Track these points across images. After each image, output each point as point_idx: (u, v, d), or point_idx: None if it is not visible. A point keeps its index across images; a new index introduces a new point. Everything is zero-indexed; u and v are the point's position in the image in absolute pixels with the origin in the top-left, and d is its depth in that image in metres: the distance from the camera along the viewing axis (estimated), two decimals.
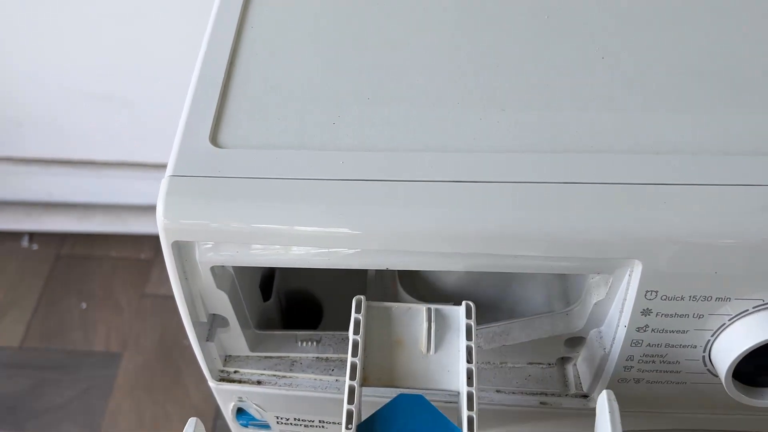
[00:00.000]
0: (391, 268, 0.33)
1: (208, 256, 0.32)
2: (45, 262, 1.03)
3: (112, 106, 0.89)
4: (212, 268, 0.33)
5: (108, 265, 1.02)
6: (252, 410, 0.40)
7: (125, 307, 0.98)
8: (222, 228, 0.31)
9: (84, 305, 0.98)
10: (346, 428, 0.28)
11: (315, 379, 0.38)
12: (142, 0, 0.79)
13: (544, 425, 0.38)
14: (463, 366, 0.30)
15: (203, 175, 0.31)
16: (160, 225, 0.31)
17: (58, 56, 0.85)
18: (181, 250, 0.32)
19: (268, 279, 0.42)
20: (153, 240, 1.03)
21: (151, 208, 1.06)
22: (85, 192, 1.00)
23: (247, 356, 0.38)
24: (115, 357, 0.94)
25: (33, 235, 1.04)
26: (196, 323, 0.35)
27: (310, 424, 0.40)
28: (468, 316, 0.31)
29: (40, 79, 0.88)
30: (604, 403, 0.30)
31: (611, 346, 0.34)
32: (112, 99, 0.89)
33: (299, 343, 0.38)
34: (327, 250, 0.32)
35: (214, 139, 0.32)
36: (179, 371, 0.92)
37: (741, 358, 0.31)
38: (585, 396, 0.37)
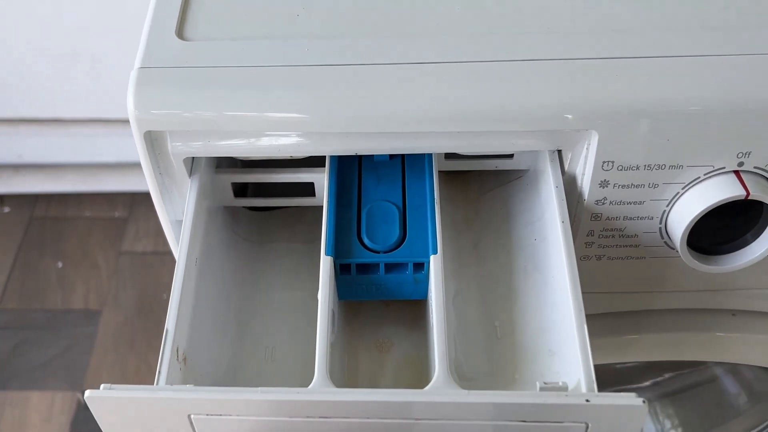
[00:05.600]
0: (359, 153, 0.34)
1: (180, 147, 0.33)
2: (19, 224, 1.02)
3: (78, 62, 0.89)
4: (185, 161, 0.34)
5: (83, 225, 1.02)
6: None
7: (102, 265, 0.98)
8: (192, 116, 0.31)
9: (60, 264, 0.98)
10: None
11: None
12: None
13: None
14: None
15: (171, 66, 0.32)
16: (132, 116, 0.32)
17: (23, 15, 0.84)
18: (154, 143, 0.33)
19: None
20: (127, 197, 1.03)
21: (123, 165, 1.06)
22: (55, 152, 0.99)
23: None
24: (95, 314, 0.94)
25: (4, 198, 1.04)
26: (173, 222, 0.36)
27: None
28: None
29: (5, 38, 0.87)
30: None
31: (572, 221, 0.35)
32: (78, 55, 0.88)
33: None
34: (296, 137, 0.33)
35: (180, 33, 0.33)
36: (160, 324, 0.92)
37: (694, 222, 0.33)
38: None
